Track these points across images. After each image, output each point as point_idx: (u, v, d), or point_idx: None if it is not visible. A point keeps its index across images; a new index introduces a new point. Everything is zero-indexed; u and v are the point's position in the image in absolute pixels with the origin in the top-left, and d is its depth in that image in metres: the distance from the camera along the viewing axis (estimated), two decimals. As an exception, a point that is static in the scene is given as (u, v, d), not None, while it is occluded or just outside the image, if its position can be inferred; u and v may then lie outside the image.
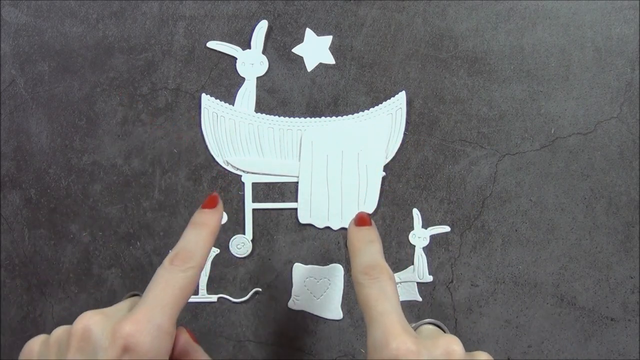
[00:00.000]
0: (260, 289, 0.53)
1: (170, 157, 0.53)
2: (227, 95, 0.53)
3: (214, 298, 0.53)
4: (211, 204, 0.40)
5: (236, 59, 0.53)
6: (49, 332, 0.34)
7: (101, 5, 0.53)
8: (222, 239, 0.53)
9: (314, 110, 0.53)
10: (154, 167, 0.53)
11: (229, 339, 0.53)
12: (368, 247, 0.39)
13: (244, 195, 0.53)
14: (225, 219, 0.53)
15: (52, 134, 0.53)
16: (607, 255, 0.52)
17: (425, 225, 0.52)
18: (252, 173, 0.53)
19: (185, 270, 0.35)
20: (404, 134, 0.52)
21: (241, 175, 0.53)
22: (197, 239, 0.37)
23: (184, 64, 0.53)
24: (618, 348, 0.52)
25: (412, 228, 0.52)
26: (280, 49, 0.53)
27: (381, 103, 0.52)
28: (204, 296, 0.53)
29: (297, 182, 0.52)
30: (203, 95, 0.53)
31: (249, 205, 0.53)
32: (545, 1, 0.52)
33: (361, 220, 0.41)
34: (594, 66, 0.51)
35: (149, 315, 0.32)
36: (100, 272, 0.53)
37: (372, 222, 0.42)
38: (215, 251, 0.53)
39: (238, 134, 0.52)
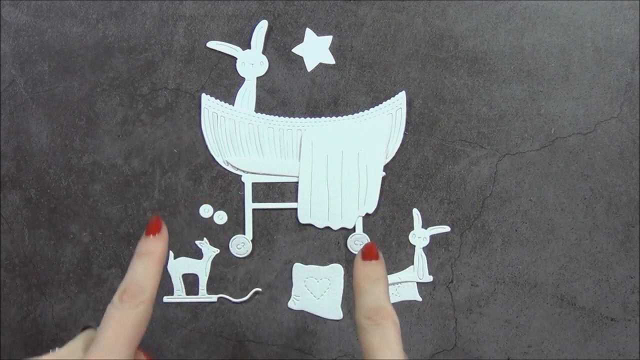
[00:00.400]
0: (260, 289, 0.53)
1: (170, 157, 0.53)
2: (227, 95, 0.53)
3: (214, 298, 0.53)
4: (155, 229, 0.38)
5: (236, 59, 0.53)
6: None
7: (101, 5, 0.53)
8: (222, 239, 0.53)
9: (314, 110, 0.53)
10: (154, 167, 0.53)
11: (229, 339, 0.53)
12: (373, 287, 0.38)
13: (244, 195, 0.53)
14: (225, 218, 0.53)
15: (52, 134, 0.53)
16: (607, 255, 0.52)
17: (425, 225, 0.52)
18: (252, 173, 0.53)
19: (135, 307, 0.34)
20: (404, 134, 0.52)
21: (241, 175, 0.53)
22: (144, 271, 0.36)
23: (184, 64, 0.53)
24: (618, 348, 0.52)
25: (412, 228, 0.52)
26: (280, 49, 0.53)
27: (381, 103, 0.52)
28: (204, 296, 0.53)
29: (297, 182, 0.52)
30: (203, 95, 0.53)
31: (249, 205, 0.53)
32: (545, 1, 0.52)
33: (369, 253, 0.39)
34: (594, 66, 0.51)
35: (104, 359, 0.32)
36: (100, 272, 0.53)
37: (381, 255, 0.40)
38: (215, 251, 0.53)
39: (238, 134, 0.52)
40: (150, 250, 0.37)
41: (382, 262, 0.40)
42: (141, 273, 0.36)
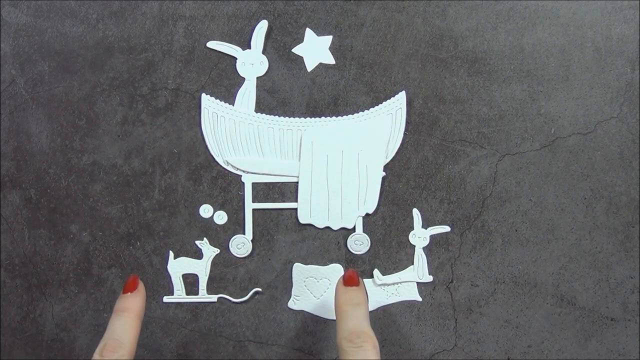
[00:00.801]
0: (260, 289, 0.53)
1: (170, 157, 0.53)
2: (227, 95, 0.53)
3: (214, 298, 0.53)
4: (132, 287, 0.41)
5: (236, 59, 0.53)
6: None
7: (101, 5, 0.53)
8: (222, 239, 0.53)
9: (314, 110, 0.53)
10: (154, 167, 0.53)
11: (229, 339, 0.53)
12: (354, 311, 0.40)
13: (244, 195, 0.53)
14: (225, 218, 0.53)
15: (52, 134, 0.53)
16: (607, 255, 0.52)
17: (425, 225, 0.52)
18: (252, 173, 0.53)
19: None
20: (404, 134, 0.52)
21: (241, 175, 0.53)
22: (122, 326, 0.38)
23: (184, 64, 0.53)
24: (618, 348, 0.52)
25: (412, 228, 0.52)
26: (280, 49, 0.53)
27: (381, 103, 0.52)
28: (204, 296, 0.53)
29: (297, 182, 0.52)
30: (203, 95, 0.53)
31: (249, 205, 0.53)
32: (545, 1, 0.52)
33: (350, 279, 0.42)
34: (594, 66, 0.51)
35: None
36: (100, 272, 0.53)
37: (361, 281, 0.42)
38: (215, 251, 0.53)
39: (238, 134, 0.52)
40: (128, 307, 0.40)
41: (363, 288, 0.42)
42: (119, 329, 0.38)
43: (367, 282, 0.52)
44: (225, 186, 0.53)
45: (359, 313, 0.40)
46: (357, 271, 0.47)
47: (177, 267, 0.53)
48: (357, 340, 0.38)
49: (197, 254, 0.53)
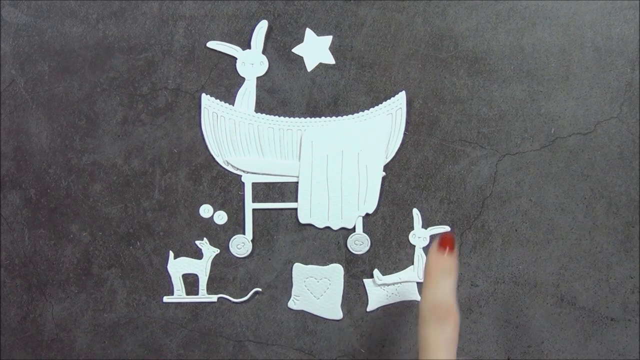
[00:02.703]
0: (260, 289, 0.53)
1: (170, 157, 0.53)
2: (227, 95, 0.53)
3: (214, 298, 0.53)
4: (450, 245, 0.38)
5: (236, 59, 0.53)
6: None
7: (101, 5, 0.53)
8: (222, 239, 0.53)
9: (314, 110, 0.53)
10: (154, 167, 0.53)
11: (229, 339, 0.53)
12: (443, 281, 0.37)
13: (244, 195, 0.53)
14: (225, 218, 0.53)
15: (52, 134, 0.53)
16: (607, 255, 0.52)
17: (425, 225, 0.52)
18: (252, 173, 0.53)
19: None
20: (404, 134, 0.52)
21: (241, 175, 0.53)
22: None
23: (184, 64, 0.53)
24: (618, 348, 0.52)
25: (412, 228, 0.52)
26: (280, 49, 0.53)
27: (381, 103, 0.52)
28: (204, 296, 0.53)
29: (297, 182, 0.52)
30: (203, 95, 0.53)
31: (249, 205, 0.53)
32: (545, 1, 0.52)
33: (445, 242, 0.38)
34: (594, 66, 0.51)
35: None
36: (100, 272, 0.53)
37: (456, 247, 0.39)
38: (215, 251, 0.53)
39: (238, 134, 0.52)
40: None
41: (456, 256, 0.39)
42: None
43: (367, 282, 0.53)
44: (225, 186, 0.53)
45: (447, 283, 0.38)
46: (454, 235, 0.44)
47: (177, 267, 0.53)
48: (440, 313, 0.36)
49: (197, 254, 0.53)
